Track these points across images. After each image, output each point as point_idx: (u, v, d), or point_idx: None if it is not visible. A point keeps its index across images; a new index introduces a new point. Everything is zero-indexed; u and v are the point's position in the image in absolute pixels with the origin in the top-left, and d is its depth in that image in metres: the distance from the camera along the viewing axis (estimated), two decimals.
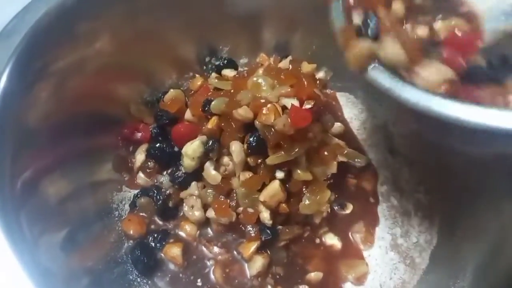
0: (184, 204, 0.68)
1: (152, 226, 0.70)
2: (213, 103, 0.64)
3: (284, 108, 0.61)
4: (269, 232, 0.64)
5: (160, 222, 0.70)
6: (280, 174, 0.62)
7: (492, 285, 0.57)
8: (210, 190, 0.66)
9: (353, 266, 0.67)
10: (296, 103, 0.61)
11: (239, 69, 0.83)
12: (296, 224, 0.66)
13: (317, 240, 0.68)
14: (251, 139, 0.62)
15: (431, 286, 0.65)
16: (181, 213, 0.70)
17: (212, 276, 0.65)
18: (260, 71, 0.67)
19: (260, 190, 0.63)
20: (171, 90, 0.76)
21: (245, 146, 0.63)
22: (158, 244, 0.67)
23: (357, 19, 0.51)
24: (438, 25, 0.51)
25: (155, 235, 0.67)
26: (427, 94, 0.44)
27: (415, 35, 0.50)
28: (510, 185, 0.60)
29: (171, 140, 0.72)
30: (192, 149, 0.65)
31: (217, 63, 0.82)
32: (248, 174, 0.63)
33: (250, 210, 0.63)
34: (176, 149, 0.71)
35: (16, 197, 0.53)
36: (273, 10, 0.81)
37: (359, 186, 0.74)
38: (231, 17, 0.80)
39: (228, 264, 0.66)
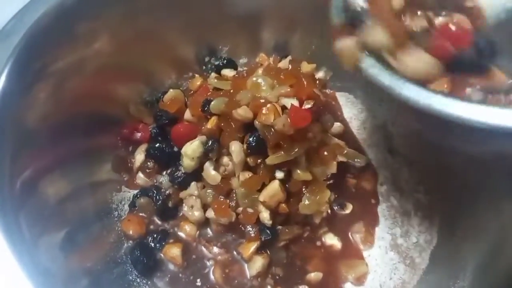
0: (184, 204, 0.68)
1: (152, 227, 0.69)
2: (212, 103, 0.64)
3: (283, 108, 0.61)
4: (268, 232, 0.64)
5: (160, 223, 0.70)
6: (279, 174, 0.62)
7: (492, 285, 0.57)
8: (210, 190, 0.66)
9: (353, 266, 0.67)
10: (295, 103, 0.61)
11: (239, 69, 0.83)
12: (296, 224, 0.66)
13: (317, 240, 0.68)
14: (250, 139, 0.62)
15: (431, 286, 0.65)
16: (181, 213, 0.70)
17: (211, 277, 0.65)
18: (260, 71, 0.67)
19: (259, 190, 0.63)
20: (171, 90, 0.76)
21: (245, 146, 0.63)
22: (157, 245, 0.67)
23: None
24: (440, 20, 0.51)
25: (155, 236, 0.67)
26: (428, 92, 0.44)
27: (404, 21, 0.50)
28: (510, 185, 0.60)
29: (170, 140, 0.72)
30: (191, 149, 0.65)
31: (216, 63, 0.81)
32: (247, 174, 0.63)
33: (250, 210, 0.63)
34: (175, 149, 0.71)
35: (15, 197, 0.53)
36: (272, 10, 0.81)
37: (358, 186, 0.74)
38: (230, 17, 0.80)
39: (227, 265, 0.66)
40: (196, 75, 0.82)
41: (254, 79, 0.65)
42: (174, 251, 0.65)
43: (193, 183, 0.68)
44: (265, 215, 0.63)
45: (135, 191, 0.72)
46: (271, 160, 0.61)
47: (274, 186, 0.62)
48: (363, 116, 0.82)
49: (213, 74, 0.78)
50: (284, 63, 0.71)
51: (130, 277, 0.65)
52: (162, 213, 0.70)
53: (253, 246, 0.64)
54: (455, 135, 0.48)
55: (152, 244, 0.67)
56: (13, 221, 0.51)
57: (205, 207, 0.67)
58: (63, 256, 0.58)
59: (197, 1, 0.77)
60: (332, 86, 0.85)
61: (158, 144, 0.73)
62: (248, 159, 0.63)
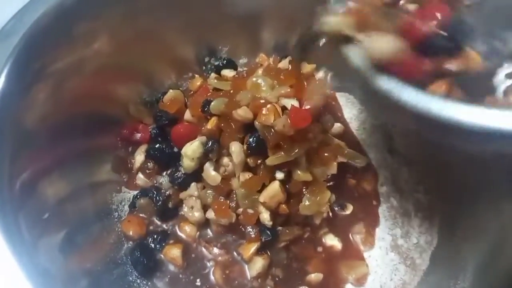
0: (184, 205, 0.68)
1: (152, 227, 0.69)
2: (212, 103, 0.64)
3: (283, 108, 0.61)
4: (269, 233, 0.63)
5: (160, 223, 0.70)
6: (280, 175, 0.62)
7: (493, 286, 0.57)
8: (210, 191, 0.66)
9: (354, 267, 0.67)
10: (295, 103, 0.61)
11: (239, 69, 0.83)
12: (296, 225, 0.66)
13: (317, 241, 0.68)
14: (250, 139, 0.62)
15: (432, 287, 0.65)
16: (181, 214, 0.70)
17: (212, 277, 0.65)
18: (260, 71, 0.67)
19: (260, 191, 0.63)
20: (171, 90, 0.76)
21: (245, 146, 0.63)
22: (157, 245, 0.67)
23: None
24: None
25: (155, 236, 0.67)
26: (427, 96, 0.44)
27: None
28: (510, 185, 0.60)
29: (170, 141, 0.72)
30: (191, 149, 0.65)
31: (216, 63, 0.81)
32: (248, 175, 0.63)
33: (250, 211, 0.63)
34: (175, 149, 0.71)
35: (15, 198, 0.53)
36: (272, 10, 0.81)
37: (359, 186, 0.74)
38: (230, 17, 0.79)
39: (228, 265, 0.66)
40: (196, 76, 0.82)
41: (254, 79, 0.64)
42: (174, 252, 0.65)
43: (193, 184, 0.68)
44: (265, 216, 0.63)
45: (135, 192, 0.72)
46: (271, 160, 0.61)
47: (274, 187, 0.62)
48: (363, 117, 0.82)
49: (213, 75, 0.78)
50: (284, 64, 0.71)
51: (130, 278, 0.64)
52: (162, 214, 0.70)
53: (253, 247, 0.63)
54: (454, 136, 0.48)
55: (152, 245, 0.67)
56: (13, 222, 0.51)
57: (205, 208, 0.67)
58: (63, 257, 0.58)
59: (197, 1, 0.77)
60: (332, 86, 0.84)
61: (158, 144, 0.72)
62: (248, 159, 0.63)
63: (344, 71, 0.52)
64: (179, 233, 0.69)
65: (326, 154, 0.65)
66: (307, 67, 0.69)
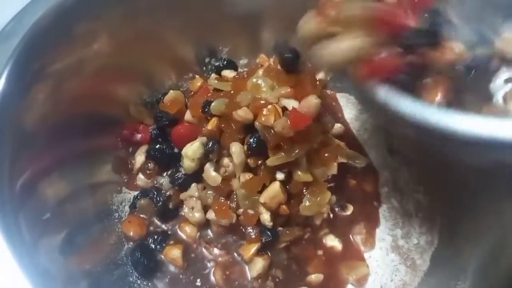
0: (184, 206, 0.68)
1: (152, 228, 0.69)
2: (213, 104, 0.64)
3: (284, 109, 0.61)
4: (269, 233, 0.63)
5: (160, 224, 0.70)
6: (280, 176, 0.62)
7: (493, 286, 0.57)
8: (210, 192, 0.66)
9: (354, 267, 0.67)
10: (296, 104, 0.61)
11: (239, 70, 0.83)
12: (297, 226, 0.66)
13: (318, 242, 0.68)
14: (251, 140, 0.62)
15: (432, 287, 0.65)
16: (181, 215, 0.69)
17: (212, 278, 0.65)
18: (260, 72, 0.67)
19: (260, 192, 0.62)
20: (171, 91, 0.76)
21: (245, 147, 0.62)
22: (158, 246, 0.67)
23: None
24: None
25: (155, 237, 0.67)
26: (424, 106, 0.44)
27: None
28: (510, 185, 0.60)
29: (171, 141, 0.72)
30: (192, 150, 0.65)
31: (216, 64, 0.81)
32: (248, 176, 0.63)
33: (251, 211, 0.63)
34: (176, 150, 0.71)
35: (15, 199, 0.53)
36: (272, 11, 0.81)
37: (359, 187, 0.74)
38: (230, 17, 0.79)
39: (228, 266, 0.66)
40: (197, 76, 0.82)
41: (254, 80, 0.64)
42: (174, 252, 0.65)
43: (193, 185, 0.68)
44: (265, 217, 0.63)
45: (136, 193, 0.72)
46: (271, 161, 0.61)
47: (274, 188, 0.62)
48: (364, 117, 0.82)
49: (213, 75, 0.78)
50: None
51: (131, 279, 0.64)
52: (163, 215, 0.70)
53: (253, 248, 0.63)
54: (453, 146, 0.48)
55: (153, 246, 0.67)
56: (13, 222, 0.51)
57: (205, 209, 0.67)
58: (63, 257, 0.58)
59: (197, 2, 0.77)
60: (333, 87, 0.84)
61: (158, 145, 0.72)
62: (248, 160, 0.63)
63: (344, 72, 0.52)
64: (179, 233, 0.69)
65: (326, 155, 0.65)
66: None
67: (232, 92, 0.66)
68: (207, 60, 0.83)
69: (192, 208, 0.67)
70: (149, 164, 0.73)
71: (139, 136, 0.75)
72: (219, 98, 0.65)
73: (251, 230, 0.64)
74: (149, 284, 0.64)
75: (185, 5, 0.76)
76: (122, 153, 0.76)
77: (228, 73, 0.77)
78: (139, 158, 0.74)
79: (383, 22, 0.48)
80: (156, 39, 0.75)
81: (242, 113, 0.61)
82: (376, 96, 0.47)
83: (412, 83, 0.48)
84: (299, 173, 0.62)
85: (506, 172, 0.58)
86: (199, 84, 0.79)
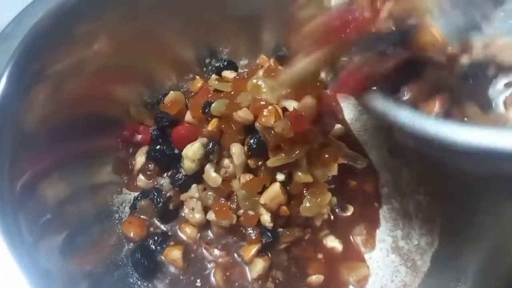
0: (185, 207, 0.68)
1: (152, 229, 0.69)
2: (213, 105, 0.64)
3: (284, 110, 0.61)
4: (269, 234, 0.63)
5: (161, 225, 0.70)
6: (280, 177, 0.62)
7: (494, 287, 0.57)
8: (211, 193, 0.66)
9: (354, 268, 0.66)
10: (296, 105, 0.61)
11: (239, 70, 0.83)
12: (297, 227, 0.66)
13: (318, 243, 0.68)
14: (251, 141, 0.62)
15: None
16: (182, 216, 0.69)
17: (212, 279, 0.65)
18: (260, 72, 0.67)
19: (260, 193, 0.62)
20: (171, 92, 0.76)
21: (246, 148, 0.62)
22: (158, 247, 0.67)
23: None
24: None
25: (156, 238, 0.67)
26: (422, 117, 0.44)
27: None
28: (510, 186, 0.60)
29: (171, 142, 0.72)
30: (192, 151, 0.65)
31: (217, 64, 0.81)
32: (248, 177, 0.63)
33: (251, 212, 0.63)
34: (176, 151, 0.71)
35: (15, 200, 0.53)
36: (273, 11, 0.81)
37: (360, 188, 0.74)
38: (231, 18, 0.79)
39: (228, 267, 0.65)
40: (197, 77, 0.82)
41: (255, 81, 0.64)
42: (175, 253, 0.65)
43: (193, 185, 0.68)
44: (266, 218, 0.62)
45: (136, 193, 0.72)
46: (272, 162, 0.61)
47: (275, 188, 0.62)
48: (364, 118, 0.82)
49: (213, 76, 0.78)
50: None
51: (131, 280, 0.64)
52: (163, 216, 0.69)
53: (254, 249, 0.63)
54: (453, 156, 0.48)
55: (153, 247, 0.67)
56: (13, 223, 0.51)
57: (206, 210, 0.67)
58: (63, 258, 0.58)
59: (197, 2, 0.77)
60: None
61: (158, 146, 0.72)
62: (249, 161, 0.63)
63: None
64: (179, 234, 0.69)
65: (326, 156, 0.65)
66: None
67: (232, 93, 0.66)
68: (207, 60, 0.83)
69: (193, 209, 0.67)
70: (150, 165, 0.73)
71: (139, 137, 0.75)
72: (219, 99, 0.65)
73: (252, 231, 0.64)
74: (150, 285, 0.64)
75: (185, 6, 0.76)
76: (122, 154, 0.75)
77: (228, 74, 0.77)
78: (140, 159, 0.74)
79: (339, 32, 0.47)
80: (156, 40, 0.75)
81: (243, 114, 0.61)
82: (374, 105, 0.47)
83: (411, 80, 0.49)
84: (300, 174, 0.62)
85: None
86: (199, 84, 0.79)
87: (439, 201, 0.72)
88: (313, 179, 0.63)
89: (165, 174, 0.73)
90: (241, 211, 0.64)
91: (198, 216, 0.67)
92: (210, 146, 0.64)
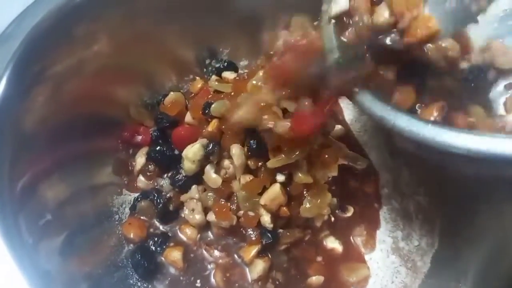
0: (185, 208, 0.68)
1: (152, 230, 0.69)
2: (213, 106, 0.64)
3: (284, 110, 0.61)
4: (269, 235, 0.63)
5: (161, 226, 0.70)
6: (280, 177, 0.62)
7: None
8: (211, 194, 0.66)
9: (355, 269, 0.67)
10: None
11: (240, 71, 0.82)
12: (297, 228, 0.66)
13: (318, 244, 0.68)
14: (251, 142, 0.62)
15: None
16: (182, 217, 0.69)
17: (212, 280, 0.65)
18: (261, 73, 0.67)
19: (261, 194, 0.62)
20: (171, 92, 0.76)
21: (246, 149, 0.62)
22: (158, 248, 0.67)
23: None
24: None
25: (156, 239, 0.67)
26: (420, 123, 0.45)
27: None
28: (510, 187, 0.60)
29: (171, 143, 0.72)
30: (192, 152, 0.65)
31: (217, 65, 0.81)
32: (248, 177, 0.63)
33: (251, 213, 0.63)
34: (176, 152, 0.71)
35: (15, 200, 0.53)
36: (273, 12, 0.81)
37: (360, 188, 0.74)
38: (231, 19, 0.79)
39: (228, 268, 0.65)
40: (197, 78, 0.82)
41: (255, 82, 0.64)
42: (175, 254, 0.65)
43: (194, 186, 0.68)
44: (265, 219, 0.62)
45: (136, 194, 0.72)
46: (272, 163, 0.61)
47: (275, 189, 0.62)
48: (364, 119, 0.82)
49: (213, 77, 0.78)
50: None
51: (131, 281, 0.64)
52: (163, 217, 0.69)
53: (254, 250, 0.63)
54: (450, 161, 0.48)
55: (153, 248, 0.67)
56: (13, 224, 0.51)
57: (206, 210, 0.67)
58: (63, 259, 0.58)
59: (197, 3, 0.77)
60: None
61: (159, 147, 0.72)
62: (249, 162, 0.63)
63: None
64: (180, 235, 0.69)
65: (327, 157, 0.65)
66: None
67: (232, 93, 0.66)
68: (207, 61, 0.83)
69: (193, 210, 0.67)
70: (150, 166, 0.73)
71: (139, 138, 0.75)
72: (219, 99, 0.65)
73: (252, 232, 0.64)
74: (150, 286, 0.64)
75: (185, 7, 0.76)
76: (122, 155, 0.75)
77: (228, 75, 0.77)
78: (140, 160, 0.73)
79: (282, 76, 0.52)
80: (156, 41, 0.75)
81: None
82: (372, 111, 0.48)
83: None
84: (300, 175, 0.62)
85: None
86: (199, 85, 0.79)
87: (439, 202, 0.72)
88: (313, 180, 0.63)
89: (165, 175, 0.73)
90: (241, 212, 0.64)
91: (198, 217, 0.67)
92: (210, 147, 0.64)
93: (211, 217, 0.65)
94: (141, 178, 0.73)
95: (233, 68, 0.81)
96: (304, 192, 0.63)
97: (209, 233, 0.68)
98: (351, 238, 0.70)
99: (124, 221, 0.70)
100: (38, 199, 0.58)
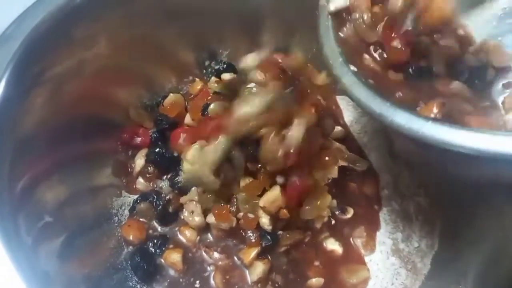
0: (184, 210, 0.68)
1: (152, 232, 0.69)
2: (210, 107, 0.64)
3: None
4: (269, 237, 0.63)
5: (160, 228, 0.69)
6: (280, 179, 0.62)
7: None
8: (210, 196, 0.66)
9: (355, 271, 0.66)
10: None
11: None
12: (297, 230, 0.66)
13: (318, 246, 0.68)
14: (249, 148, 0.61)
15: None
16: (181, 219, 0.69)
17: (212, 282, 0.65)
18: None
19: (260, 195, 0.62)
20: (171, 94, 0.76)
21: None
22: (158, 250, 0.66)
23: None
24: None
25: (155, 241, 0.67)
26: (419, 120, 0.44)
27: None
28: (511, 188, 0.60)
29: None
30: (191, 154, 0.65)
31: (216, 67, 0.81)
32: (248, 179, 0.63)
33: (251, 215, 0.63)
34: (175, 154, 0.71)
35: (14, 202, 0.53)
36: (273, 14, 0.81)
37: (360, 190, 0.74)
38: (230, 20, 0.80)
39: (228, 270, 0.65)
40: (197, 79, 0.82)
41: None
42: (174, 256, 0.65)
43: (193, 188, 0.68)
44: (264, 221, 0.62)
45: (135, 196, 0.71)
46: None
47: (275, 192, 0.62)
48: (364, 120, 0.82)
49: (213, 78, 0.78)
50: None
51: (130, 283, 0.64)
52: (162, 218, 0.69)
53: (254, 252, 0.63)
54: (450, 160, 0.48)
55: (152, 250, 0.66)
56: (12, 226, 0.51)
57: (205, 212, 0.67)
58: (62, 261, 0.58)
59: (197, 5, 0.77)
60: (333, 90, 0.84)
61: (158, 149, 0.72)
62: (248, 164, 0.63)
63: None
64: (179, 237, 0.68)
65: (326, 158, 0.65)
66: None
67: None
68: (207, 63, 0.83)
69: (192, 212, 0.67)
70: (149, 168, 0.73)
71: (139, 139, 0.75)
72: (218, 101, 0.65)
73: (251, 234, 0.64)
74: None
75: (184, 8, 0.76)
76: (121, 157, 0.75)
77: (228, 76, 0.77)
78: (139, 161, 0.73)
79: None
80: (156, 42, 0.75)
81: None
82: (371, 107, 0.48)
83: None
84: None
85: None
86: (199, 87, 0.79)
87: (439, 203, 0.71)
88: (313, 181, 0.63)
89: (165, 177, 0.72)
90: (241, 214, 0.64)
91: (197, 219, 0.66)
92: None
93: (211, 219, 0.65)
94: (140, 180, 0.73)
95: (232, 69, 0.81)
96: None
97: (209, 235, 0.68)
98: (351, 239, 0.69)
99: (123, 223, 0.69)
100: (37, 201, 0.58)
